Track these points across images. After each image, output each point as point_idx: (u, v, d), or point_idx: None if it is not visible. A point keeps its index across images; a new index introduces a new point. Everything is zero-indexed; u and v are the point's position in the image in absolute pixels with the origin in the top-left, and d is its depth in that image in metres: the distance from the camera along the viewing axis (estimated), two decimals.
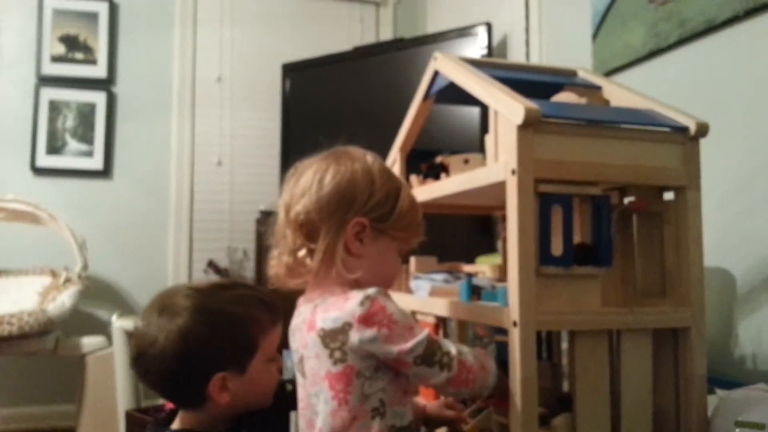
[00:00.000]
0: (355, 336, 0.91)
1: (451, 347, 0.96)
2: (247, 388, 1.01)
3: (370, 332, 0.90)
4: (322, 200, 0.97)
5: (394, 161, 1.49)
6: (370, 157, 1.04)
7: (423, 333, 0.93)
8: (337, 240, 0.97)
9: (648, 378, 1.05)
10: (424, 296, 1.34)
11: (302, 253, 0.99)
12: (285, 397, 1.22)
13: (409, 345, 0.91)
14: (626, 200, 1.18)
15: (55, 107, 3.12)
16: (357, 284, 0.98)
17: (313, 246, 0.98)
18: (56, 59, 3.14)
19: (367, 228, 0.99)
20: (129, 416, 1.81)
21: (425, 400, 1.30)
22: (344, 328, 0.91)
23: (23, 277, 2.78)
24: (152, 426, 1.11)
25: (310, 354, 0.96)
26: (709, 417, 1.06)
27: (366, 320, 0.90)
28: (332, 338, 0.92)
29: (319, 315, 0.95)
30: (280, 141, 3.14)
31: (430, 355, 0.92)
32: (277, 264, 1.02)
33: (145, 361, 0.98)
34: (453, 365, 0.94)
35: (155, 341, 0.97)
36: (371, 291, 0.93)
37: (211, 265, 3.12)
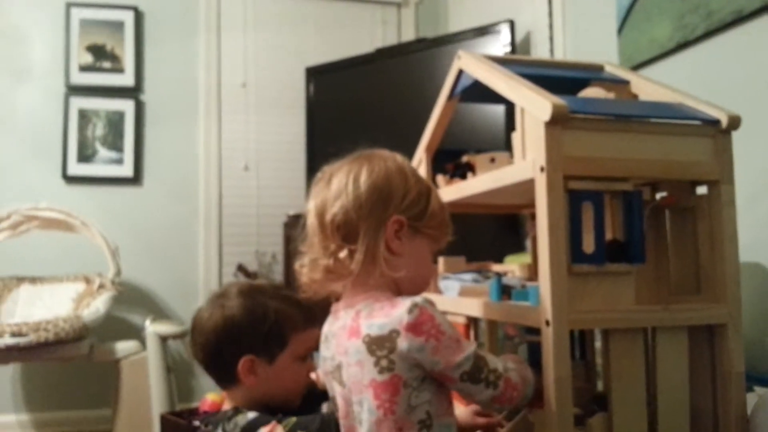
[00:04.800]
0: (403, 344, 0.89)
1: (498, 364, 0.94)
2: (273, 378, 1.12)
3: (418, 341, 0.88)
4: (360, 199, 0.96)
5: (420, 161, 1.49)
6: (399, 157, 1.04)
7: (470, 348, 0.91)
8: (378, 239, 0.95)
9: (684, 376, 1.03)
10: (454, 296, 1.34)
11: (343, 254, 0.96)
12: (316, 393, 1.22)
13: (457, 359, 0.89)
14: (658, 195, 1.16)
15: (84, 116, 3.18)
16: (397, 288, 0.97)
17: (352, 247, 0.95)
18: (84, 69, 3.19)
19: (405, 226, 0.97)
20: (163, 419, 1.83)
21: (455, 403, 1.30)
22: (391, 336, 0.89)
23: (58, 284, 2.83)
24: (206, 418, 1.15)
25: (351, 361, 0.94)
26: (748, 415, 1.04)
27: (414, 329, 0.89)
28: (379, 346, 0.90)
29: (364, 321, 0.93)
30: (306, 144, 3.16)
31: (476, 371, 0.91)
32: (311, 270, 0.99)
33: (194, 336, 1.16)
34: (499, 383, 0.92)
35: (203, 320, 1.14)
36: (419, 299, 0.91)
37: (241, 268, 3.15)
